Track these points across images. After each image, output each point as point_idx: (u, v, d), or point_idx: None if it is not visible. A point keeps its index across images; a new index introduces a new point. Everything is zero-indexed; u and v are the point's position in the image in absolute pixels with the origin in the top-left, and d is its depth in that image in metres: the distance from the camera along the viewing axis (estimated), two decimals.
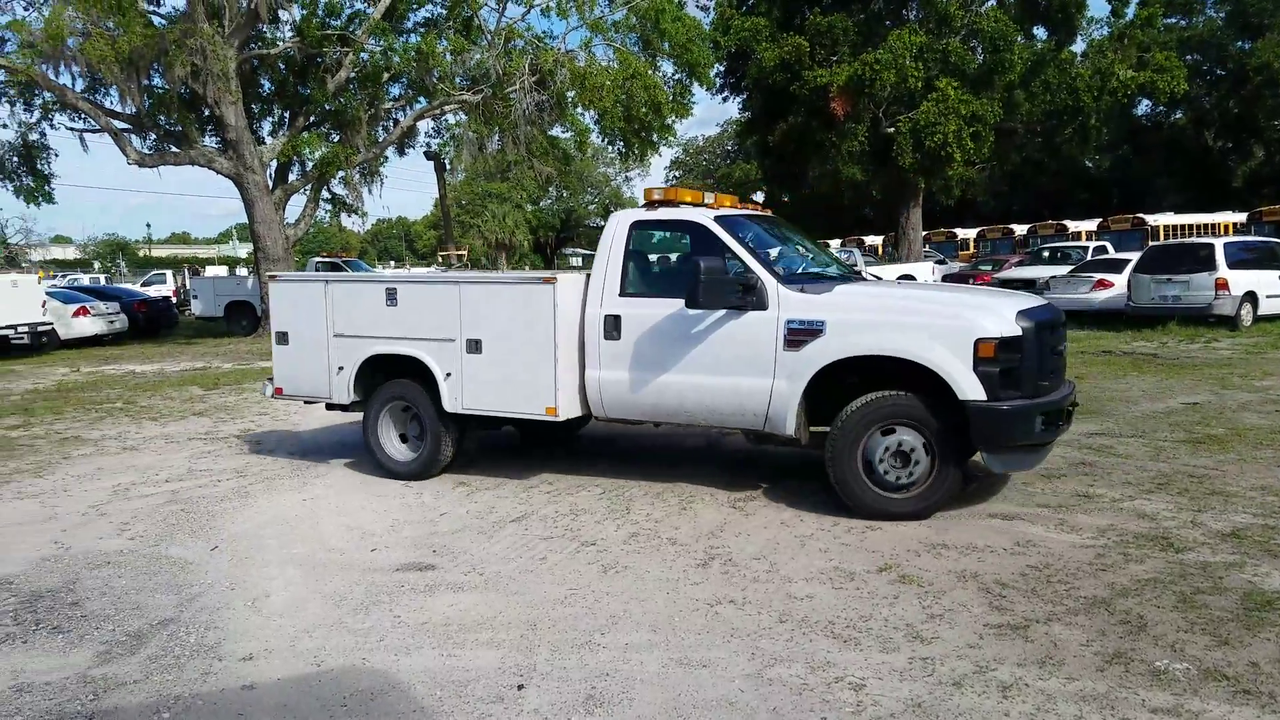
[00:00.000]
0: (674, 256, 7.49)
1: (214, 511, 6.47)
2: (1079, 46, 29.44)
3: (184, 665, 3.93)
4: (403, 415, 7.42)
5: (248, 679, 3.80)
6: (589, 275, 6.77)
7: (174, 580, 5.03)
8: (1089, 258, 21.90)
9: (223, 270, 49.24)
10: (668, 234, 7.13)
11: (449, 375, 7.02)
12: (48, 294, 20.72)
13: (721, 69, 30.17)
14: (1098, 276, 18.97)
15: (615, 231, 6.74)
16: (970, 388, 5.46)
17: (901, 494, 5.79)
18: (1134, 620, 4.11)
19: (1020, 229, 34.97)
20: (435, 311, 7.09)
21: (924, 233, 32.21)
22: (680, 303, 6.20)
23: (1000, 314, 5.62)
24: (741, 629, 4.17)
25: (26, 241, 42.33)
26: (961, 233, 38.37)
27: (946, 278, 25.19)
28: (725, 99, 34.60)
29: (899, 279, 26.67)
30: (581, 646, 4.03)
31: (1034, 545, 5.20)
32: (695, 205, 6.79)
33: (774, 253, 6.83)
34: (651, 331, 6.44)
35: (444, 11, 24.54)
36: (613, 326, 6.58)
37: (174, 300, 31.04)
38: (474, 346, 6.95)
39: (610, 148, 27.08)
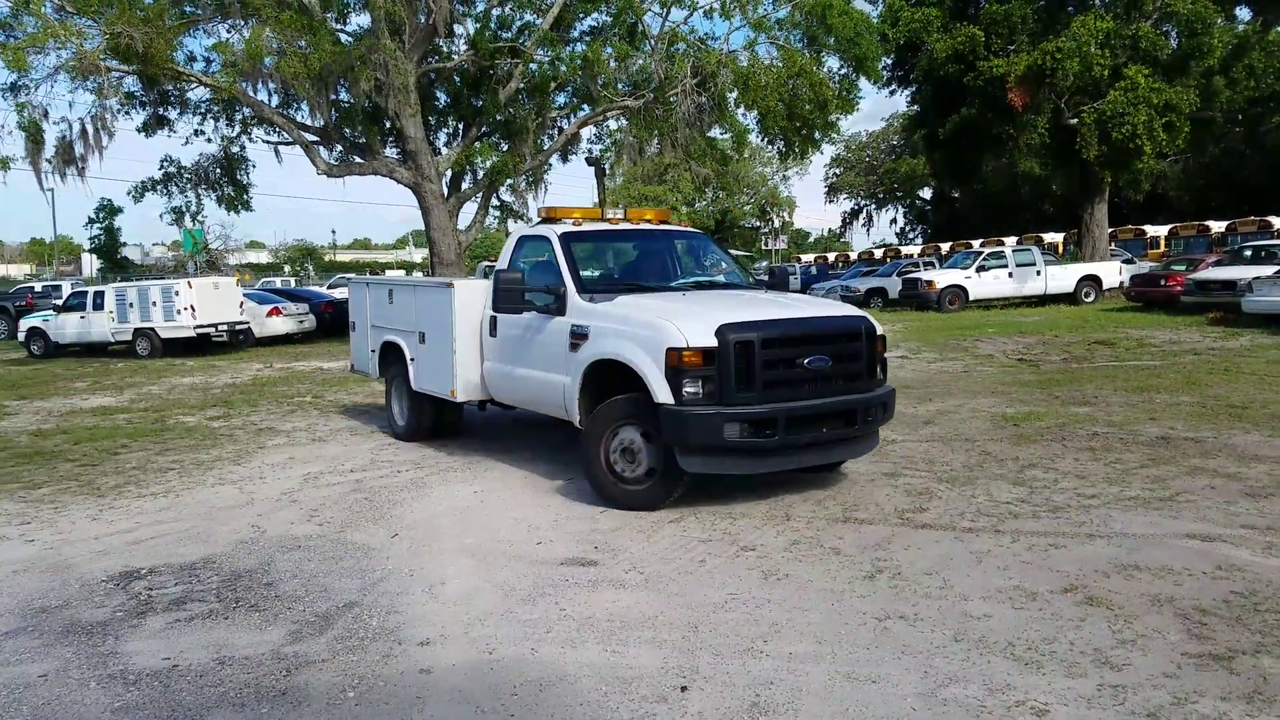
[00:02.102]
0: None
1: (394, 500, 6.83)
2: None
3: (367, 647, 4.16)
4: (402, 390, 9.22)
5: (425, 663, 3.98)
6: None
7: (358, 565, 5.34)
8: None
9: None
10: (538, 245, 7.80)
11: (413, 360, 8.85)
12: (245, 295, 22.52)
13: (889, 62, 29.34)
14: None
15: (508, 244, 8.14)
16: (661, 391, 5.95)
17: (635, 486, 6.36)
18: None
19: (1217, 226, 32.16)
20: (407, 309, 9.08)
21: (1110, 230, 30.20)
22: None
23: (702, 325, 5.96)
24: (913, 646, 4.01)
25: (225, 246, 46.15)
26: (1151, 230, 35.65)
27: (1135, 278, 23.47)
28: (893, 92, 33.63)
29: (1082, 279, 25.17)
30: (744, 653, 3.98)
31: (1238, 570, 4.75)
32: (585, 220, 7.87)
33: (611, 265, 7.98)
34: (511, 331, 7.57)
35: (609, 19, 25.00)
36: (492, 326, 7.86)
37: None
38: (422, 338, 8.69)
39: (770, 147, 26.81)
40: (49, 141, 22.58)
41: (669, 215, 8.68)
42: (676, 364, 5.89)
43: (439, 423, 9.09)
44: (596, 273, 7.70)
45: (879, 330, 6.63)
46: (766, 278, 8.15)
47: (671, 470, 6.15)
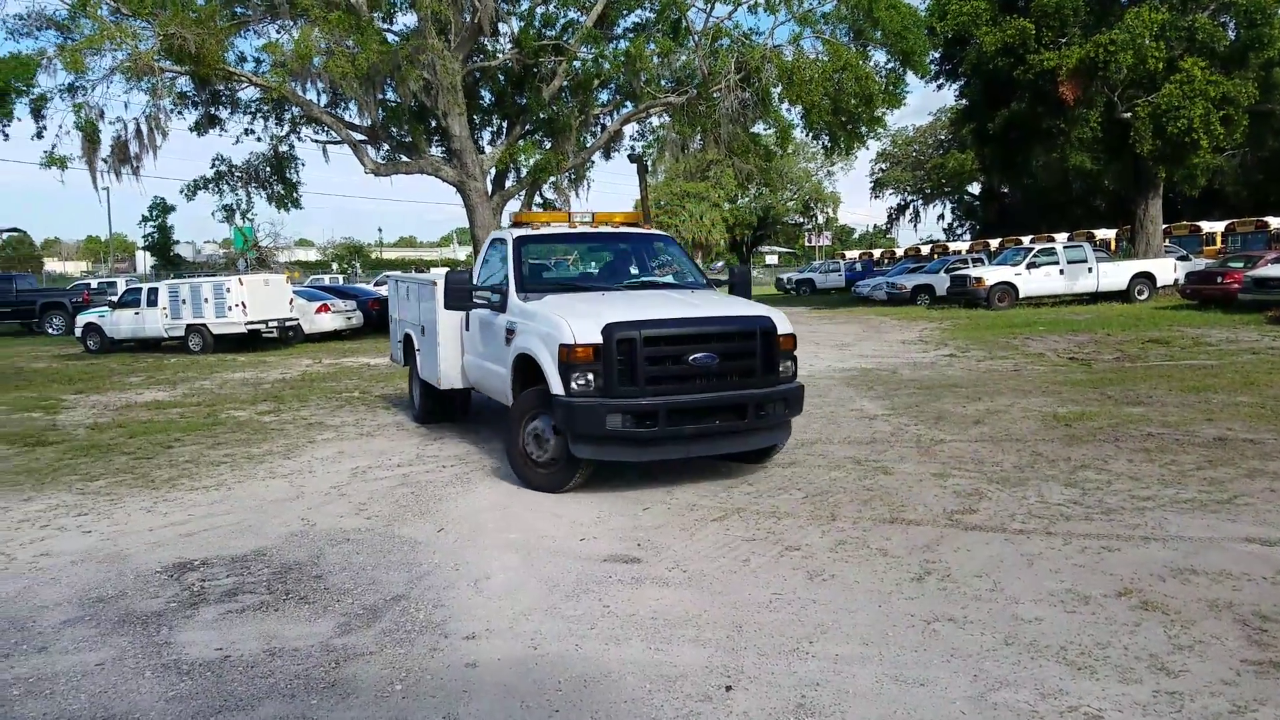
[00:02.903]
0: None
1: (440, 495, 6.90)
2: None
3: (414, 640, 4.20)
4: (415, 378, 10.17)
5: (471, 657, 4.01)
6: None
7: (405, 559, 5.40)
8: None
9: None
10: (501, 247, 8.40)
11: (418, 350, 9.89)
12: (294, 293, 22.89)
13: (937, 56, 28.92)
14: None
15: (485, 245, 8.93)
16: (555, 384, 6.51)
17: (544, 469, 6.92)
18: None
19: (1276, 222, 31.21)
20: (414, 304, 10.07)
21: (1164, 226, 29.47)
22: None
23: (592, 324, 6.41)
24: (962, 649, 3.94)
25: (275, 244, 46.92)
26: (1207, 226, 34.73)
27: (1190, 276, 22.89)
28: (940, 86, 33.09)
29: (1135, 276, 24.60)
30: (790, 653, 3.95)
31: None
32: (549, 224, 8.59)
33: (559, 266, 8.74)
34: (476, 326, 8.36)
35: (653, 15, 24.98)
36: (466, 321, 8.67)
37: None
38: (422, 331, 9.67)
39: (815, 142, 26.59)
40: (105, 141, 23.19)
41: (638, 219, 9.25)
42: (566, 359, 6.42)
43: (444, 408, 9.92)
44: (543, 273, 8.36)
45: (783, 330, 6.89)
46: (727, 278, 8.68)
47: (572, 456, 6.62)
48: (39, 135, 22.54)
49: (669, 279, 8.38)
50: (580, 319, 6.53)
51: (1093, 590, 4.56)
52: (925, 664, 3.81)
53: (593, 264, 8.99)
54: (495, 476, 7.45)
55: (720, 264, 47.37)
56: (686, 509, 6.31)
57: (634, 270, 8.60)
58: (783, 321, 6.93)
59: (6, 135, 22.47)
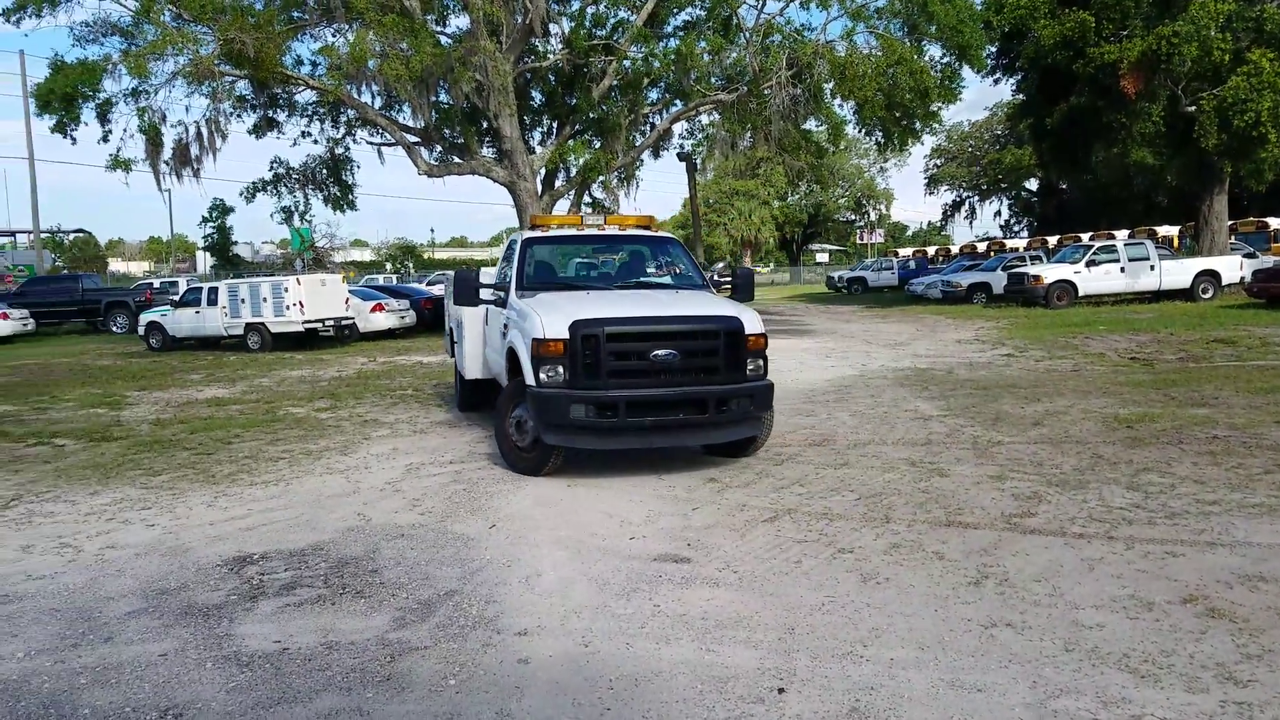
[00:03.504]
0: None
1: (491, 492, 6.95)
2: None
3: (467, 635, 4.24)
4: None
5: (523, 653, 4.03)
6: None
7: (458, 554, 5.45)
8: None
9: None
10: (514, 247, 9.02)
11: (456, 343, 10.60)
12: (349, 292, 23.26)
13: (994, 50, 28.38)
14: None
15: (505, 244, 9.59)
16: (529, 376, 7.04)
17: (525, 454, 7.42)
18: None
19: None
20: (450, 299, 10.70)
21: (1229, 222, 28.58)
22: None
23: (562, 321, 6.88)
24: (1021, 654, 3.86)
25: (331, 245, 47.75)
26: (1275, 222, 33.54)
27: (1257, 273, 22.16)
28: (997, 81, 32.49)
29: (1199, 274, 23.92)
30: (843, 657, 3.90)
31: None
32: (561, 227, 9.21)
33: (562, 266, 9.20)
34: (490, 320, 8.98)
35: (703, 13, 24.92)
36: (485, 315, 9.24)
37: None
38: (458, 326, 10.20)
39: (868, 138, 26.28)
40: (167, 144, 23.83)
41: (650, 222, 9.52)
42: (537, 352, 6.93)
43: (477, 397, 10.28)
44: (547, 273, 8.80)
45: (752, 330, 7.20)
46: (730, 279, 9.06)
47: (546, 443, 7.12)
48: (105, 139, 23.26)
49: (666, 279, 8.76)
50: (553, 316, 7.00)
51: (1156, 596, 4.43)
52: (983, 669, 3.74)
53: (599, 265, 9.49)
54: (544, 474, 7.48)
55: (721, 265, 47.19)
56: (737, 509, 6.28)
57: (633, 271, 9.09)
58: (752, 322, 7.26)
59: (74, 139, 23.20)
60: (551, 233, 9.07)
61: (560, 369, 6.88)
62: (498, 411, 7.75)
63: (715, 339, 7.05)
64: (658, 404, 6.93)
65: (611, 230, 9.14)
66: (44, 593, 4.97)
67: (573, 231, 9.13)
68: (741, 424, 7.33)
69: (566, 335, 6.83)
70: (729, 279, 9.10)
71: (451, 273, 12.31)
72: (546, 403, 6.91)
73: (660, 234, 9.47)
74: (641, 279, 8.82)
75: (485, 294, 8.48)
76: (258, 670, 3.92)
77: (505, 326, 7.98)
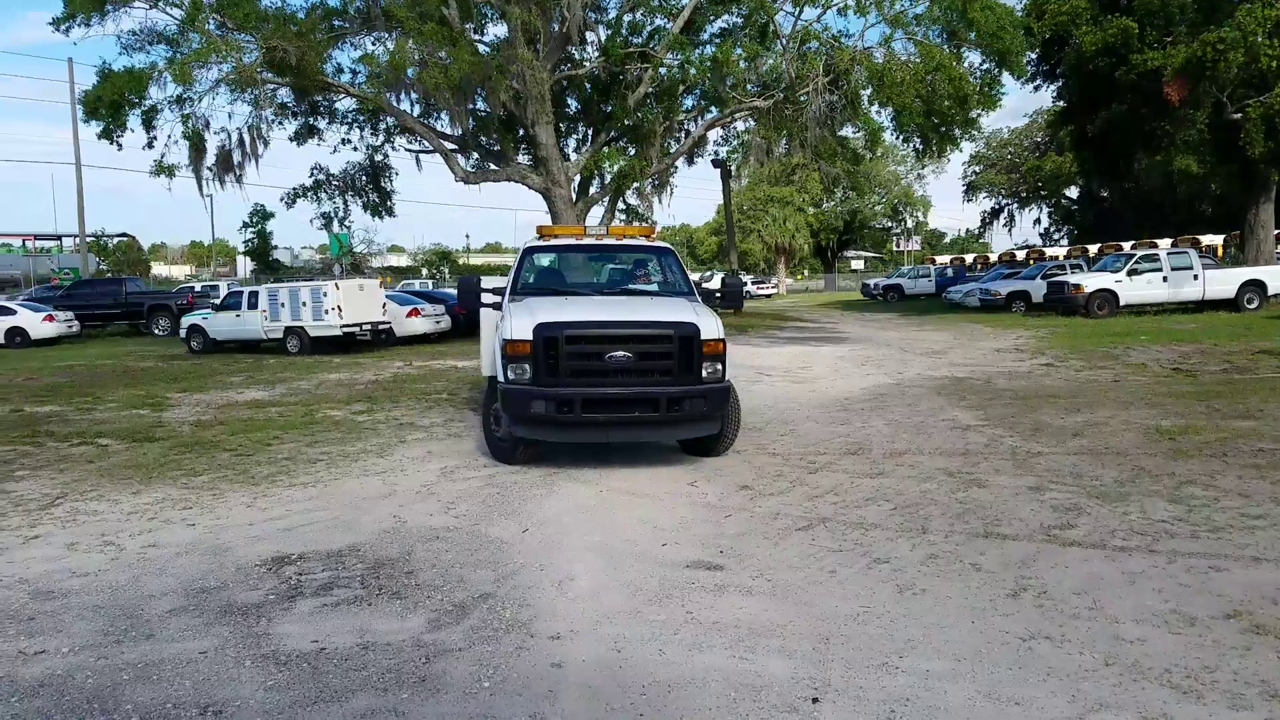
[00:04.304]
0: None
1: (524, 496, 6.99)
2: None
3: (501, 638, 4.26)
4: None
5: (556, 657, 4.04)
6: None
7: (492, 558, 5.48)
8: None
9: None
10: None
11: (482, 346, 10.24)
12: (387, 297, 23.48)
13: (1034, 56, 28.05)
14: None
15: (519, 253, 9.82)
16: (499, 373, 7.69)
17: (501, 442, 8.13)
18: None
19: None
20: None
21: (1276, 231, 27.97)
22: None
23: (528, 323, 7.44)
24: (1059, 668, 3.80)
25: (369, 250, 48.36)
26: None
27: None
28: (1037, 87, 32.06)
29: (1244, 284, 23.45)
30: (878, 668, 3.87)
31: None
32: (563, 236, 9.77)
33: (557, 273, 9.52)
34: (495, 321, 8.95)
35: (740, 20, 24.90)
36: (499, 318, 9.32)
37: None
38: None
39: (905, 145, 26.08)
40: (210, 150, 24.26)
41: (649, 232, 10.00)
42: (506, 352, 7.51)
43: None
44: (542, 279, 9.30)
45: (708, 335, 7.55)
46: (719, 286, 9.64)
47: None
48: (149, 145, 23.73)
49: (653, 287, 9.22)
50: (521, 319, 7.57)
51: (1199, 611, 4.34)
52: (1020, 682, 3.68)
53: (596, 273, 10.00)
54: (576, 481, 7.51)
55: (710, 273, 47.38)
56: (770, 518, 6.25)
57: (624, 278, 9.54)
58: (710, 328, 7.61)
59: (120, 145, 23.68)
60: (551, 242, 9.64)
61: (526, 367, 7.44)
62: (483, 405, 8.54)
63: (669, 343, 7.47)
64: (612, 402, 7.42)
65: (608, 240, 9.62)
66: (88, 589, 5.07)
67: (571, 241, 9.69)
68: (698, 423, 7.73)
69: (530, 336, 7.39)
70: (718, 289, 9.70)
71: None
72: (513, 398, 7.52)
73: (655, 244, 9.86)
74: (629, 286, 9.27)
75: (486, 298, 9.07)
76: (295, 669, 3.97)
77: (499, 326, 8.45)
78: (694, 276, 9.70)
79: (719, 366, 7.67)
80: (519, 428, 7.67)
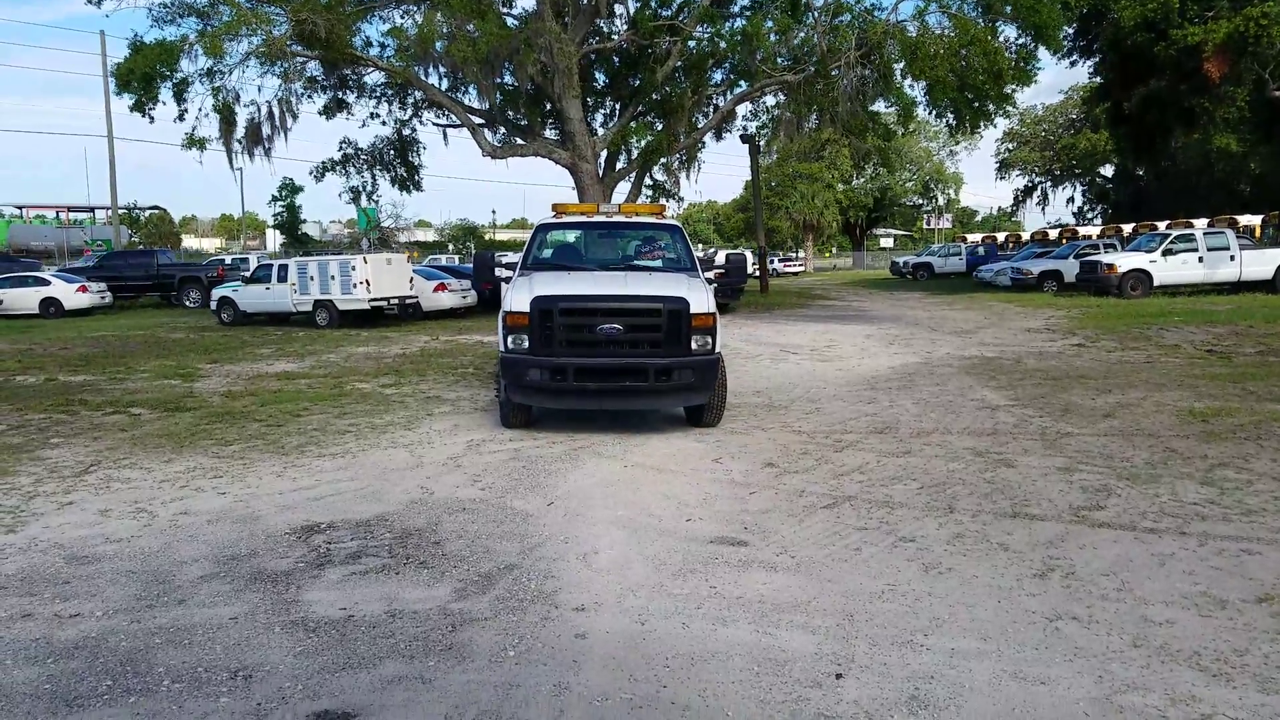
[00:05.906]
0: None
1: (549, 470, 7.02)
2: None
3: (526, 609, 4.29)
4: None
5: (580, 628, 4.07)
6: None
7: (517, 530, 5.52)
8: None
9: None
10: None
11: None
12: (415, 271, 23.57)
13: (1071, 31, 27.48)
14: None
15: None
16: (502, 343, 8.12)
17: (504, 408, 8.48)
18: None
19: None
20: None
21: None
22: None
23: (526, 296, 7.91)
24: (1087, 649, 3.77)
25: (396, 225, 48.44)
26: None
27: None
28: (1073, 63, 31.46)
29: None
30: (903, 645, 3.86)
31: None
32: (578, 214, 9.99)
33: (566, 248, 10.09)
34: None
35: None
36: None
37: None
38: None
39: (938, 120, 25.66)
40: (240, 123, 24.36)
41: (660, 210, 10.31)
42: (506, 323, 8.01)
43: None
44: (554, 255, 9.80)
45: (698, 309, 7.93)
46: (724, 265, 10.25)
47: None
48: (180, 118, 23.85)
49: (657, 263, 9.59)
50: (521, 292, 8.03)
51: (1230, 594, 4.29)
52: (1047, 662, 3.66)
53: (607, 249, 10.33)
54: (601, 456, 7.53)
55: (713, 249, 47.17)
56: (795, 495, 6.23)
57: (631, 254, 9.98)
58: (700, 303, 7.98)
59: (152, 118, 23.83)
60: (564, 219, 9.94)
61: (524, 338, 7.93)
62: (496, 372, 9.07)
63: (658, 316, 7.89)
64: (603, 371, 7.90)
65: (618, 219, 9.89)
66: (121, 555, 5.17)
67: (581, 219, 10.01)
68: (687, 392, 8.13)
69: (528, 309, 7.87)
70: (722, 266, 9.98)
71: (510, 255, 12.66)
72: (511, 366, 8.03)
73: (664, 221, 10.12)
74: (635, 262, 9.68)
75: (501, 273, 9.49)
76: (324, 635, 4.02)
77: (505, 295, 8.79)
78: (699, 254, 9.95)
79: (709, 339, 8.03)
80: (517, 394, 8.15)
